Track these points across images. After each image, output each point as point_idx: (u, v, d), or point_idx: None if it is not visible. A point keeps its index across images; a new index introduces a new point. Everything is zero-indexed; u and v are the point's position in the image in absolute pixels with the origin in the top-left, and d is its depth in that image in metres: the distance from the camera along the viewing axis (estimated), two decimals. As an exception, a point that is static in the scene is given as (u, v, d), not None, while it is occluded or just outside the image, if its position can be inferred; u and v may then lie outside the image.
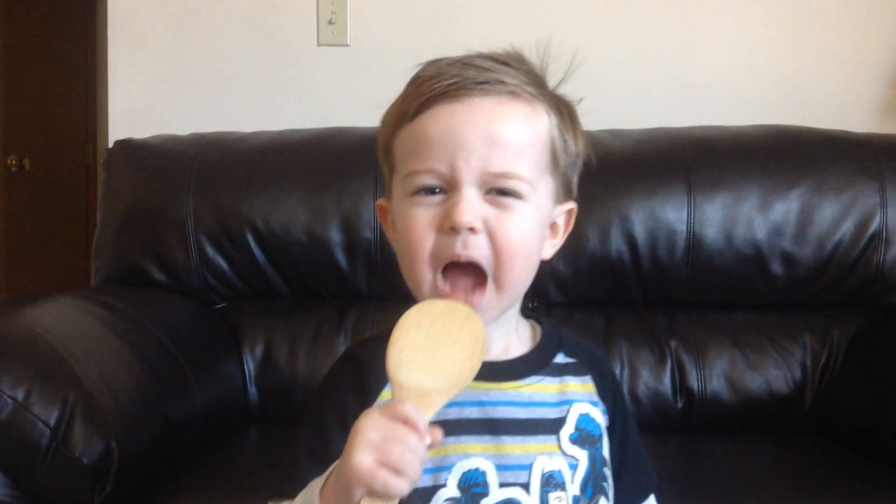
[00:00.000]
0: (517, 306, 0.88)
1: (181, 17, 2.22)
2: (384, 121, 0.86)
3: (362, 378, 0.82)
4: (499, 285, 0.80)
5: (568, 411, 0.85)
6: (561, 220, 0.88)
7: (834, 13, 2.17)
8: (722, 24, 2.18)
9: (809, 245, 1.76)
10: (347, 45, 2.20)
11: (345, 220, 1.79)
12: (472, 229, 0.78)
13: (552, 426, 0.83)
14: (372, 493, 0.66)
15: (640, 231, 1.77)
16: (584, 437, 0.84)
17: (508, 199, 0.80)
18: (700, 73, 2.17)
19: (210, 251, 1.80)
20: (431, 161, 0.79)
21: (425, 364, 0.72)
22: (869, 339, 1.74)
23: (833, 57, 2.17)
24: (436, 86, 0.80)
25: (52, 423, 1.19)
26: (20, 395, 1.19)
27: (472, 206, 0.78)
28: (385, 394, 0.79)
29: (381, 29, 2.20)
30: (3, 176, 3.88)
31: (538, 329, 0.90)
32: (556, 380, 0.86)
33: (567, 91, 0.87)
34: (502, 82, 0.80)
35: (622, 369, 1.73)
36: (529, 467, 0.80)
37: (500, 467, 0.80)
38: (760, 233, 1.76)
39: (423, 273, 0.81)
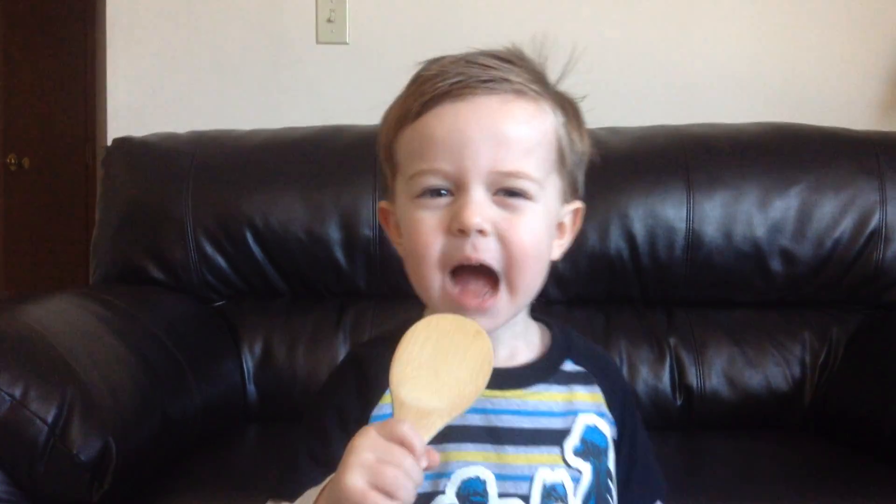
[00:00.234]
0: (525, 309, 0.86)
1: (180, 16, 2.21)
2: (385, 121, 0.84)
3: (365, 381, 0.81)
4: (511, 288, 0.78)
5: (574, 422, 0.82)
6: (568, 220, 0.86)
7: (833, 11, 2.17)
8: (721, 22, 2.18)
9: (809, 242, 1.76)
10: (346, 43, 2.20)
11: (344, 217, 1.79)
12: (481, 231, 0.76)
13: (556, 437, 0.81)
14: None
15: (639, 229, 1.77)
16: (589, 449, 0.82)
17: (517, 200, 0.78)
18: (699, 71, 2.17)
19: (209, 249, 1.80)
20: (437, 161, 0.77)
21: (428, 382, 0.70)
22: (868, 336, 1.74)
23: (832, 54, 2.17)
24: (439, 84, 0.78)
25: (49, 420, 1.19)
26: (18, 393, 1.19)
27: (480, 208, 0.76)
28: (387, 398, 0.78)
29: (379, 27, 2.20)
30: (3, 175, 3.88)
31: (547, 333, 0.88)
32: (563, 388, 0.84)
33: (566, 88, 0.86)
34: (507, 80, 0.78)
35: (621, 367, 1.72)
36: (531, 478, 0.79)
37: (501, 477, 0.78)
38: (760, 230, 1.75)
39: (432, 277, 0.79)
